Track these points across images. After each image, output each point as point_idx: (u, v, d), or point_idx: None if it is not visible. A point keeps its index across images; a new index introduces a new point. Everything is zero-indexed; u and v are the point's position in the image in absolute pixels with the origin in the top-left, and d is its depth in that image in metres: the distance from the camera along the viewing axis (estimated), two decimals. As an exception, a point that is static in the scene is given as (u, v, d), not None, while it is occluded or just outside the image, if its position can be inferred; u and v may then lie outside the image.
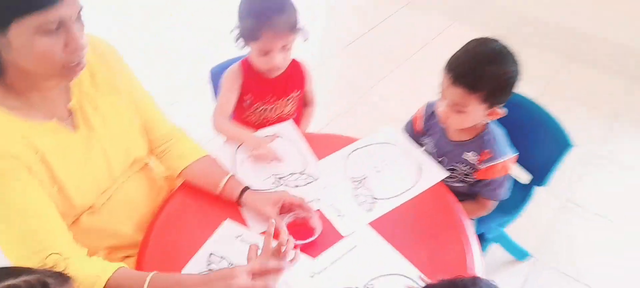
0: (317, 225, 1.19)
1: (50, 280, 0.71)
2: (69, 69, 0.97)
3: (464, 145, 1.41)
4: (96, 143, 1.13)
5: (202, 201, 1.27)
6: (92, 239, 1.13)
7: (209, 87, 1.74)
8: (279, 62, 1.45)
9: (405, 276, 1.12)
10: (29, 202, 0.99)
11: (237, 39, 1.47)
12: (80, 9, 0.95)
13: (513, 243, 1.85)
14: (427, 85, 2.71)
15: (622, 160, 2.45)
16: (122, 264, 1.03)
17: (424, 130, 1.53)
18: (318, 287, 1.09)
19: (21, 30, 0.89)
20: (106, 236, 1.17)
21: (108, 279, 0.98)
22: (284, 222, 1.17)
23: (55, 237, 1.01)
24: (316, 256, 1.14)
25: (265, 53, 1.43)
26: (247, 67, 1.54)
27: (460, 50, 1.33)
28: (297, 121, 1.64)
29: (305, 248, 1.15)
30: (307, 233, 1.18)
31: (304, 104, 1.71)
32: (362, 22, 3.45)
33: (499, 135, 1.40)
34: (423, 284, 0.99)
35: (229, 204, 1.26)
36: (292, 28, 1.41)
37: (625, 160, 2.45)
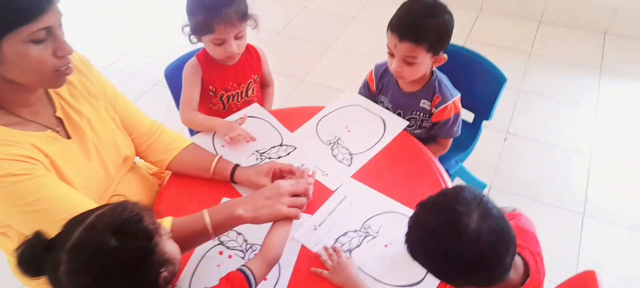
0: (310, 190, 1.29)
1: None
2: (59, 73, 1.03)
3: (416, 95, 1.58)
4: (90, 146, 1.17)
5: (195, 187, 1.34)
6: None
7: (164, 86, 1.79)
8: (235, 50, 1.54)
9: (394, 212, 1.26)
10: (65, 190, 1.04)
11: (191, 35, 1.54)
12: (61, 17, 1.00)
13: (471, 176, 2.07)
14: (359, 58, 2.97)
15: (541, 90, 2.77)
16: (171, 218, 1.06)
17: (378, 90, 1.68)
18: (321, 236, 1.21)
19: (13, 42, 0.93)
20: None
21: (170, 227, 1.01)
22: None
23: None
24: (314, 213, 1.26)
25: (221, 43, 1.52)
26: (205, 59, 1.62)
27: (398, 10, 1.48)
28: (260, 103, 1.74)
29: (308, 210, 1.25)
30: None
31: (264, 85, 1.81)
32: (285, 9, 3.59)
33: (444, 79, 1.59)
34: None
35: (221, 185, 1.34)
36: (243, 16, 1.50)
37: (544, 90, 2.77)
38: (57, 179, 1.05)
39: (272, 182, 1.29)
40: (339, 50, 3.16)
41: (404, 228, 1.20)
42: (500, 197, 2.15)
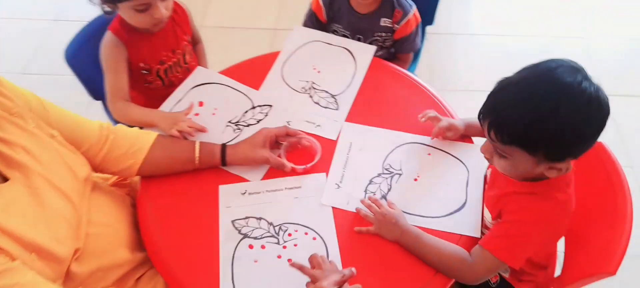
0: (314, 144, 1.16)
1: None
2: None
3: (375, 15, 1.47)
4: (38, 180, 0.89)
5: (179, 185, 1.11)
6: (96, 283, 0.94)
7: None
8: (164, 13, 1.26)
9: (406, 143, 1.18)
10: None
11: (103, 3, 1.23)
12: None
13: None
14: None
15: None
16: None
17: (329, 18, 1.53)
18: (348, 191, 1.09)
19: None
20: (107, 272, 0.97)
21: None
22: (283, 155, 1.13)
23: None
24: (328, 171, 1.13)
25: (145, 8, 1.23)
26: (124, 32, 1.31)
27: None
28: (195, 67, 1.49)
29: (316, 168, 1.13)
30: (309, 154, 1.15)
31: (194, 43, 1.54)
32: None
33: (398, -8, 1.49)
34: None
35: (206, 173, 1.13)
36: None
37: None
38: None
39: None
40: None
41: (423, 157, 1.15)
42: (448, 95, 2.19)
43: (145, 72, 1.37)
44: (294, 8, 2.61)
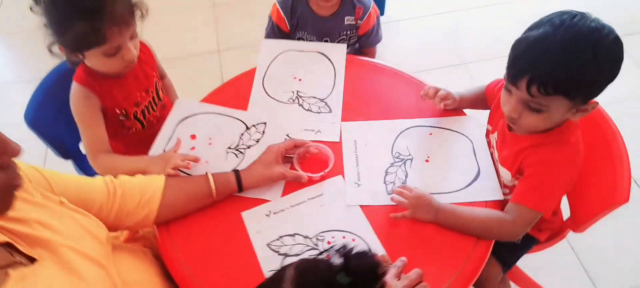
0: (324, 149, 1.16)
1: None
2: None
3: (338, 15, 1.50)
4: (67, 253, 0.81)
5: (198, 223, 1.07)
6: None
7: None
8: (134, 54, 1.20)
9: (406, 128, 1.22)
10: None
11: (69, 54, 1.16)
12: None
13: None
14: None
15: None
16: None
17: (293, 27, 1.53)
18: (368, 187, 1.11)
19: None
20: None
21: None
22: (298, 167, 1.13)
23: None
24: (343, 172, 1.14)
25: (115, 52, 1.16)
26: (93, 81, 1.23)
27: None
28: (169, 103, 1.44)
29: (330, 172, 1.13)
30: (320, 160, 1.15)
31: (160, 78, 1.48)
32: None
33: (354, -11, 1.53)
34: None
35: (223, 204, 1.09)
36: (132, 9, 1.17)
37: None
38: None
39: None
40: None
41: (426, 138, 1.19)
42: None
43: (122, 117, 1.30)
44: (231, 26, 2.59)
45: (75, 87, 1.23)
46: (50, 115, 1.35)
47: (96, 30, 1.08)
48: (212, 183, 1.06)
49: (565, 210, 1.22)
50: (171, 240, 1.05)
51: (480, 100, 1.25)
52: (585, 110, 0.94)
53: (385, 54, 2.42)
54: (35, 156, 1.90)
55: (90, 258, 0.84)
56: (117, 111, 1.28)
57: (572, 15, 0.89)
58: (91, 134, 1.24)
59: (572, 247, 1.71)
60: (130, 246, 1.06)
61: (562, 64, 0.86)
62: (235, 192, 1.10)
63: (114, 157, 1.24)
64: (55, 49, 1.14)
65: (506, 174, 1.08)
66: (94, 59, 1.18)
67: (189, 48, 2.51)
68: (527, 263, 1.30)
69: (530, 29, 0.94)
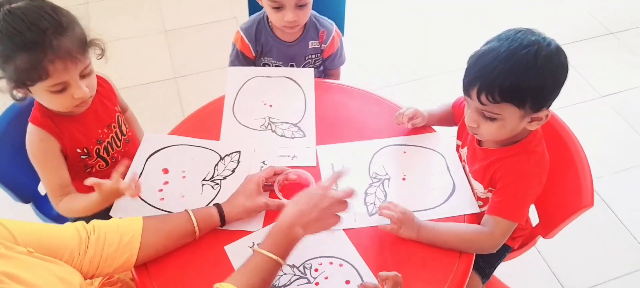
0: (303, 174, 1.16)
1: None
2: None
3: (302, 40, 1.50)
4: None
5: (180, 260, 1.03)
6: None
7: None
8: (85, 93, 1.13)
9: (381, 148, 1.24)
10: None
11: (13, 89, 1.09)
12: None
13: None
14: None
15: None
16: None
17: (257, 53, 1.53)
18: (350, 211, 1.09)
19: None
20: None
21: None
22: (280, 195, 1.12)
23: None
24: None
25: (61, 89, 1.10)
26: (50, 122, 1.17)
27: None
28: (133, 136, 1.39)
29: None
30: (301, 187, 1.13)
31: (122, 112, 1.43)
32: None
33: (316, 14, 1.54)
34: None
35: (203, 239, 1.06)
36: (84, 45, 1.11)
37: None
38: None
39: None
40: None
41: (400, 156, 1.21)
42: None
43: (84, 156, 1.24)
44: (186, 53, 2.55)
45: (30, 129, 1.17)
46: (4, 159, 1.27)
47: (36, 63, 1.02)
48: (195, 221, 1.03)
49: (533, 217, 1.28)
50: (151, 281, 1.01)
51: (448, 116, 1.30)
52: (539, 118, 1.00)
53: (351, 72, 2.46)
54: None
55: None
56: (78, 150, 1.22)
57: (518, 30, 0.98)
58: (51, 178, 1.18)
59: (539, 251, 1.80)
60: (115, 290, 1.01)
61: (505, 72, 0.94)
62: (217, 226, 1.07)
63: (72, 197, 1.18)
64: (3, 84, 1.07)
65: (479, 187, 1.12)
66: (41, 96, 1.11)
67: (144, 77, 2.44)
68: (499, 271, 1.35)
69: (484, 44, 1.01)
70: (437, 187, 1.16)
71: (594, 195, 1.11)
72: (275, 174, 1.14)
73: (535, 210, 1.28)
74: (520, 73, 0.93)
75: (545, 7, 2.90)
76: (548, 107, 1.00)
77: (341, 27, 1.84)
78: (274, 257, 0.89)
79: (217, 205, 1.07)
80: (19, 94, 1.12)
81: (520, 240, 1.26)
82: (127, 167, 1.09)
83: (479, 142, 1.13)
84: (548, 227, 1.21)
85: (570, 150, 1.19)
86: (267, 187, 1.14)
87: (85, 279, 0.94)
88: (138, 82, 2.40)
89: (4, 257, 0.79)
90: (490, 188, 1.10)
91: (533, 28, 0.99)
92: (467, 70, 1.00)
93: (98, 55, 1.17)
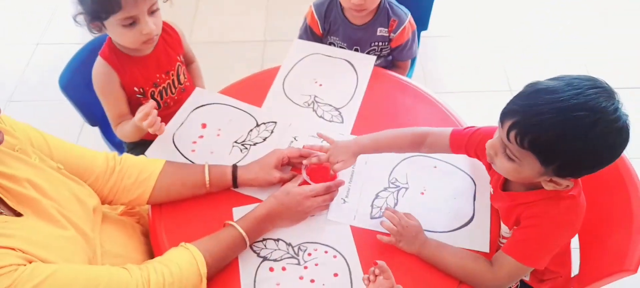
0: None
1: None
2: None
3: (371, 25, 1.47)
4: (51, 211, 0.87)
5: (191, 210, 1.09)
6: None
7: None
8: (152, 29, 1.21)
9: (412, 155, 1.17)
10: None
11: (90, 23, 1.19)
12: None
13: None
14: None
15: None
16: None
17: (325, 31, 1.52)
18: (355, 206, 1.09)
19: None
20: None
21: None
22: (306, 177, 1.11)
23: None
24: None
25: (131, 23, 1.18)
26: (115, 56, 1.28)
27: None
28: (190, 87, 1.46)
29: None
30: (325, 171, 1.14)
31: (188, 63, 1.52)
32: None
33: (392, 1, 1.49)
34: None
35: (218, 196, 1.11)
36: None
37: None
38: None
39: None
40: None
41: (429, 170, 1.14)
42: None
43: (139, 95, 1.34)
44: (282, 18, 2.61)
45: (97, 61, 1.29)
46: (82, 83, 1.41)
47: None
48: (207, 175, 1.08)
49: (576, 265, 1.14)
50: (161, 221, 1.08)
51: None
52: (558, 183, 0.87)
53: (425, 69, 2.37)
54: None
55: (72, 223, 0.88)
56: (135, 89, 1.32)
57: (596, 84, 0.80)
58: (110, 107, 1.31)
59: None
60: (123, 219, 1.10)
61: (548, 124, 0.79)
62: (230, 187, 1.11)
63: (124, 123, 1.32)
64: (80, 19, 1.18)
65: (504, 227, 1.02)
66: (112, 30, 1.20)
67: (235, 34, 2.55)
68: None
69: (552, 78, 0.86)
70: (454, 212, 1.07)
71: (640, 261, 0.96)
72: (301, 156, 1.13)
73: (578, 258, 1.14)
74: (564, 135, 0.79)
75: None
76: (576, 177, 0.88)
77: (425, 20, 1.74)
78: (245, 235, 0.98)
79: (234, 167, 1.10)
80: (94, 29, 1.23)
81: (550, 284, 1.13)
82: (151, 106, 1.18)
83: (503, 186, 1.02)
84: (585, 280, 1.07)
85: (631, 204, 1.04)
86: (296, 165, 1.14)
87: (103, 204, 1.04)
88: (227, 39, 2.50)
89: (35, 167, 0.90)
90: (515, 227, 1.00)
91: (614, 90, 0.81)
92: (516, 96, 0.86)
93: None
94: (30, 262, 0.77)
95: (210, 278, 0.95)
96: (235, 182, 1.10)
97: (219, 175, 1.09)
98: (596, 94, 0.79)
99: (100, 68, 1.28)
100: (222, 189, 1.10)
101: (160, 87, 1.36)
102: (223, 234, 0.98)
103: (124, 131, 1.32)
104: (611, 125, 0.78)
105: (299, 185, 1.07)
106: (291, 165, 1.15)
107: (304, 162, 1.13)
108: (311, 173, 1.12)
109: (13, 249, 0.76)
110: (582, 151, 0.79)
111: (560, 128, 0.78)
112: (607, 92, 0.80)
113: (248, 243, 0.99)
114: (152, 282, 0.86)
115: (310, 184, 1.08)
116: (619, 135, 0.79)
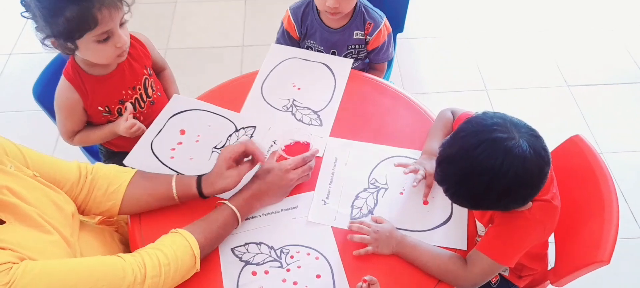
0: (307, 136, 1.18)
1: None
2: None
3: (347, 28, 1.48)
4: (34, 216, 0.86)
5: (170, 217, 1.08)
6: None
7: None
8: (125, 41, 1.20)
9: (391, 156, 1.19)
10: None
11: (65, 44, 1.14)
12: None
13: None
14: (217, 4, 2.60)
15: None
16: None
17: (302, 35, 1.53)
18: (335, 208, 1.09)
19: None
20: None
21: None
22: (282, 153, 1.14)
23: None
24: (314, 187, 1.13)
25: (106, 38, 1.16)
26: (79, 79, 1.27)
27: None
28: (160, 98, 1.45)
29: (306, 186, 1.13)
30: (301, 147, 1.16)
31: (157, 72, 1.50)
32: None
33: (367, 5, 1.51)
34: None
35: (197, 202, 1.09)
36: None
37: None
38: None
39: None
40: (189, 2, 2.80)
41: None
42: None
43: (105, 114, 1.33)
44: (260, 23, 2.61)
45: (61, 82, 1.28)
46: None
47: (86, 13, 1.08)
48: (174, 188, 1.05)
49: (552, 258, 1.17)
50: (141, 230, 1.07)
51: None
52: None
53: (402, 71, 2.40)
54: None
55: (54, 227, 0.88)
56: (100, 108, 1.31)
57: (478, 141, 0.85)
58: (67, 125, 1.33)
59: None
60: (101, 228, 1.09)
61: (459, 196, 0.91)
62: (198, 198, 1.07)
63: (87, 131, 1.35)
64: (48, 42, 1.13)
65: (479, 225, 1.05)
66: (86, 47, 1.16)
67: (213, 40, 2.54)
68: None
69: (445, 142, 0.94)
70: (433, 212, 1.09)
71: (614, 252, 0.99)
72: (246, 153, 1.08)
73: (554, 251, 1.17)
74: (475, 199, 0.89)
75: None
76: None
77: (401, 23, 1.77)
78: (237, 212, 1.02)
79: (198, 178, 1.06)
80: (66, 49, 1.16)
81: (528, 279, 1.15)
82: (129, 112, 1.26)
83: None
84: (560, 273, 1.10)
85: (602, 197, 1.07)
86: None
87: (80, 213, 1.02)
88: (205, 45, 2.50)
89: (11, 175, 0.88)
90: (490, 225, 1.02)
91: (506, 122, 0.87)
92: (436, 165, 0.94)
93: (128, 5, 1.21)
94: (23, 260, 0.77)
95: (204, 258, 0.97)
96: (201, 194, 1.06)
97: (185, 187, 1.06)
98: (482, 151, 0.84)
99: (64, 90, 1.28)
100: (192, 200, 1.08)
101: (128, 103, 1.34)
102: (214, 214, 1.01)
103: (88, 136, 1.35)
104: (504, 179, 0.83)
105: (276, 160, 1.10)
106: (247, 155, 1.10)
107: (280, 142, 1.16)
108: (287, 150, 1.15)
109: (4, 249, 0.77)
110: (506, 193, 0.86)
111: (468, 198, 0.90)
112: (491, 141, 0.84)
113: (240, 220, 1.03)
114: (148, 265, 0.87)
115: (287, 158, 1.10)
116: (524, 164, 0.83)
